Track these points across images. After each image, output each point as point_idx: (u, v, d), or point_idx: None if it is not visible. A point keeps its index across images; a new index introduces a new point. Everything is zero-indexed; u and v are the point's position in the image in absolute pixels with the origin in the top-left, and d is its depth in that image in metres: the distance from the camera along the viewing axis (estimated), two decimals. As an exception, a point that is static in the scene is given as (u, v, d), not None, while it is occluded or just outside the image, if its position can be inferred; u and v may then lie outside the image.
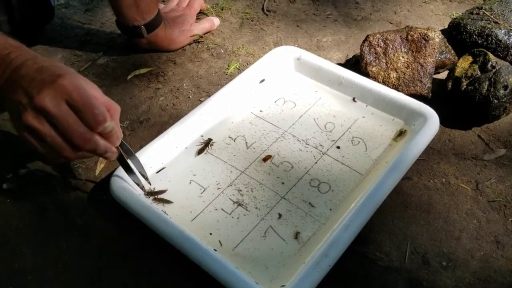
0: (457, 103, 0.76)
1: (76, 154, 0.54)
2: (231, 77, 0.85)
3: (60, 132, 0.51)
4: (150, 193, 0.64)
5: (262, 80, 0.79)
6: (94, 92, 0.54)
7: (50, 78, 0.50)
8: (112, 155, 0.56)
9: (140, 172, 0.63)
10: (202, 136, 0.72)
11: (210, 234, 0.60)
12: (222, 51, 0.93)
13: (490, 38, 0.83)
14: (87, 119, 0.51)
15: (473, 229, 0.63)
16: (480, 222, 0.64)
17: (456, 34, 0.88)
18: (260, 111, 0.77)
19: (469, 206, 0.65)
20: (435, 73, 0.82)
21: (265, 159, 0.69)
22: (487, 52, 0.76)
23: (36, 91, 0.50)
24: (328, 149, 0.70)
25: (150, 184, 0.64)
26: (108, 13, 1.03)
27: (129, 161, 0.62)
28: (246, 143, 0.72)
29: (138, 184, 0.63)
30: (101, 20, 1.02)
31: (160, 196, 0.64)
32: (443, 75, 0.83)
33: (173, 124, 0.71)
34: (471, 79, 0.74)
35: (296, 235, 0.60)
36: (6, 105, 0.54)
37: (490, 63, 0.74)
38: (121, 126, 0.76)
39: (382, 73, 0.78)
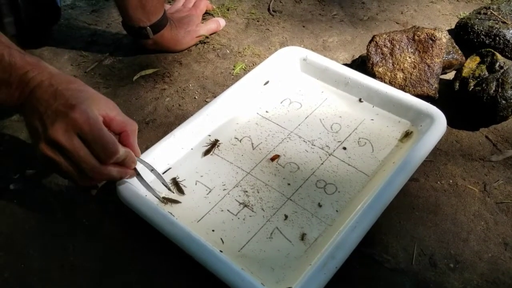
0: (464, 104, 0.76)
1: (91, 183, 0.56)
2: (237, 77, 0.85)
3: (73, 164, 0.52)
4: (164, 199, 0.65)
5: (266, 82, 0.79)
6: (110, 113, 0.54)
7: (63, 109, 0.51)
8: (129, 178, 0.58)
9: (162, 183, 0.64)
10: (209, 135, 0.72)
11: (216, 235, 0.60)
12: (228, 51, 0.93)
13: (498, 38, 0.83)
14: (98, 152, 0.52)
15: (481, 231, 0.62)
16: (488, 224, 0.63)
17: (463, 34, 0.87)
18: (266, 112, 0.77)
19: (477, 208, 0.65)
20: (442, 74, 0.81)
21: (273, 159, 0.69)
22: (495, 52, 0.75)
23: (50, 123, 0.51)
24: (334, 150, 0.70)
25: (174, 193, 0.65)
26: (114, 14, 1.03)
27: (148, 175, 0.62)
28: (252, 144, 0.72)
29: (165, 201, 0.64)
30: (107, 21, 1.02)
31: (169, 196, 0.64)
32: (450, 75, 0.83)
33: (179, 125, 0.71)
34: (478, 79, 0.74)
35: (302, 237, 0.60)
36: (26, 126, 0.55)
37: (498, 63, 0.73)
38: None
39: (389, 74, 0.78)
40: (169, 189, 0.64)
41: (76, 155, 0.51)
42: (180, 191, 0.65)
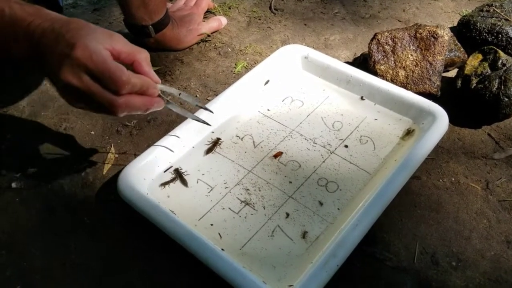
0: (466, 102, 0.75)
1: (119, 115, 0.53)
2: (238, 76, 0.85)
3: (93, 103, 0.52)
4: (163, 184, 0.65)
5: (267, 82, 0.79)
6: (116, 45, 0.52)
7: (66, 50, 0.49)
8: (157, 106, 0.56)
9: (198, 105, 0.62)
10: (213, 132, 0.72)
11: (218, 233, 0.60)
12: (230, 50, 0.92)
13: (500, 35, 0.82)
14: (108, 84, 0.50)
15: (483, 229, 0.62)
16: (490, 222, 0.63)
17: (465, 32, 0.87)
18: (268, 110, 0.77)
19: (479, 206, 0.65)
20: (444, 71, 0.81)
21: (276, 155, 0.69)
22: (498, 49, 0.75)
23: (57, 68, 0.50)
24: (336, 148, 0.70)
25: (213, 113, 0.64)
26: (116, 12, 1.03)
27: (180, 99, 0.61)
28: (254, 142, 0.72)
29: (199, 121, 0.62)
30: (108, 20, 1.02)
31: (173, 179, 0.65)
32: (452, 73, 0.82)
33: (180, 123, 0.71)
34: (481, 77, 0.73)
35: (304, 235, 0.60)
36: (45, 77, 0.55)
37: (500, 60, 0.73)
38: (127, 125, 0.76)
39: (391, 72, 0.78)
40: (207, 109, 0.63)
41: (89, 92, 0.50)
42: (184, 182, 0.65)
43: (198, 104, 0.61)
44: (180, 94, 0.60)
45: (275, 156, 0.69)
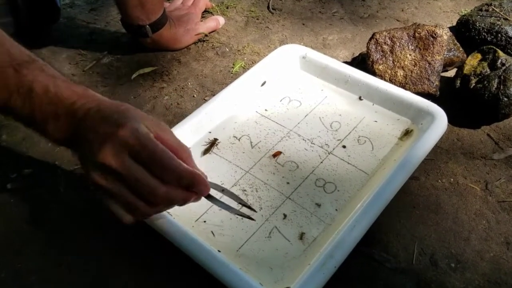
0: (465, 102, 0.75)
1: (152, 211, 0.49)
2: (236, 76, 0.85)
3: (131, 189, 0.46)
4: None
5: (264, 83, 0.78)
6: (162, 134, 0.48)
7: (111, 130, 0.46)
8: (196, 200, 0.51)
9: (239, 203, 0.57)
10: (210, 132, 0.71)
11: (214, 234, 0.60)
12: (227, 49, 0.92)
13: (500, 35, 0.82)
14: (156, 172, 0.46)
15: (483, 230, 0.62)
16: (490, 223, 0.62)
17: (464, 31, 0.86)
18: (265, 110, 0.76)
19: (478, 207, 0.64)
20: (443, 71, 0.80)
21: (274, 155, 0.69)
22: (497, 49, 0.75)
23: (98, 147, 0.46)
24: (334, 149, 0.69)
25: (256, 211, 0.59)
26: (113, 12, 1.03)
27: (222, 198, 0.55)
28: (251, 142, 0.71)
29: (244, 216, 0.56)
30: (106, 20, 1.02)
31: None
32: (451, 73, 0.82)
33: (177, 123, 0.70)
34: (480, 76, 0.73)
35: (301, 236, 0.59)
36: (78, 159, 0.50)
37: (499, 60, 0.72)
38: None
39: (389, 71, 0.77)
40: (249, 207, 0.57)
41: (131, 177, 0.45)
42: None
43: (241, 202, 0.57)
44: (223, 190, 0.56)
45: (274, 155, 0.69)
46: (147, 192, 0.46)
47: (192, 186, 0.48)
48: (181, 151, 0.50)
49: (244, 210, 0.57)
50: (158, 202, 0.47)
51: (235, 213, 0.56)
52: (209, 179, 0.64)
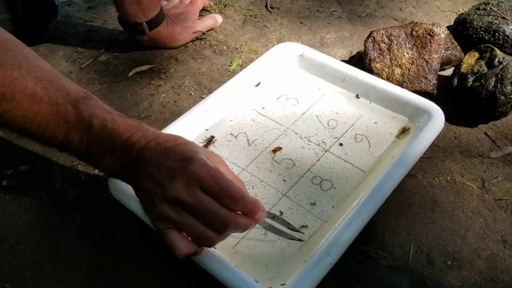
0: (463, 100, 0.75)
1: (219, 238, 0.50)
2: (233, 74, 0.84)
3: (200, 220, 0.48)
4: None
5: (258, 84, 0.78)
6: (222, 168, 0.51)
7: (180, 164, 0.47)
8: (254, 227, 0.53)
9: (288, 227, 0.59)
10: (207, 130, 0.71)
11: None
12: (225, 48, 0.92)
13: (497, 33, 0.82)
14: (225, 202, 0.48)
15: (479, 228, 0.62)
16: (487, 221, 0.62)
17: (462, 30, 0.86)
18: (262, 108, 0.76)
19: (475, 205, 0.64)
20: (440, 70, 0.80)
21: (274, 150, 0.69)
22: (494, 47, 0.74)
23: (168, 181, 0.47)
24: (330, 146, 0.69)
25: (304, 234, 0.59)
26: (111, 10, 1.03)
27: (274, 224, 0.58)
28: (248, 140, 0.71)
29: (294, 239, 0.58)
30: (103, 18, 1.02)
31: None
32: (448, 71, 0.82)
33: (174, 121, 0.70)
34: (477, 75, 0.73)
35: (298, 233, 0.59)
36: (136, 192, 0.52)
37: (497, 58, 0.72)
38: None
39: (386, 70, 0.77)
40: (297, 230, 0.59)
41: (203, 209, 0.47)
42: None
43: (290, 227, 0.59)
44: (273, 217, 0.59)
45: (274, 151, 0.69)
46: (218, 221, 0.48)
47: (254, 213, 0.50)
48: (239, 182, 0.53)
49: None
50: (229, 229, 0.49)
51: (286, 237, 0.58)
52: None
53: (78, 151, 0.51)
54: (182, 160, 0.48)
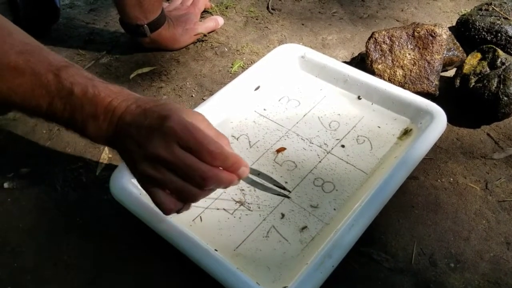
0: (465, 101, 0.74)
1: (201, 194, 0.51)
2: (234, 75, 0.84)
3: (181, 176, 0.49)
4: None
5: (257, 87, 0.77)
6: (201, 125, 0.51)
7: (157, 122, 0.48)
8: (237, 183, 0.53)
9: (274, 184, 0.60)
10: None
11: (211, 234, 0.59)
12: (226, 49, 0.92)
13: (499, 34, 0.81)
14: (205, 156, 0.48)
15: (482, 230, 0.61)
16: (490, 223, 0.62)
17: (464, 31, 0.86)
18: (264, 109, 0.76)
19: (478, 206, 0.64)
20: (442, 71, 0.80)
21: (278, 151, 0.69)
22: (497, 48, 0.74)
23: (147, 140, 0.48)
24: (332, 148, 0.69)
25: (290, 192, 0.62)
26: (112, 12, 1.03)
27: (258, 180, 0.59)
28: (249, 142, 0.71)
29: (280, 194, 0.61)
30: (105, 20, 1.02)
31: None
32: (451, 72, 0.82)
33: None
34: (480, 76, 0.73)
35: (300, 235, 0.59)
36: (121, 156, 0.53)
37: (499, 59, 0.72)
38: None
39: (388, 71, 0.77)
40: (284, 188, 0.61)
41: (182, 165, 0.48)
42: None
43: (276, 184, 0.60)
44: (259, 174, 0.59)
45: (278, 151, 0.68)
46: (199, 176, 0.48)
47: (235, 168, 0.50)
48: (222, 138, 0.52)
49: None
50: (209, 184, 0.49)
51: (272, 192, 0.60)
52: None
53: (62, 119, 0.52)
54: (159, 118, 0.48)
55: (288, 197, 0.61)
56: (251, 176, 0.58)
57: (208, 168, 0.49)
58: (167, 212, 0.51)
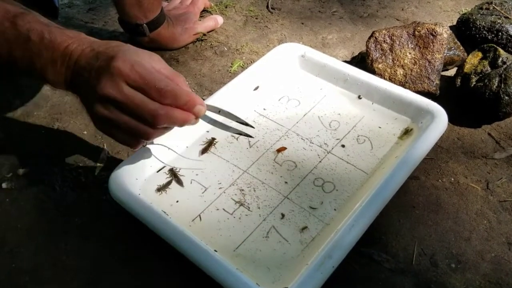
0: (466, 100, 0.74)
1: (155, 132, 0.52)
2: (234, 75, 0.84)
3: (132, 116, 0.50)
4: (159, 189, 0.63)
5: (257, 88, 0.77)
6: (156, 65, 0.51)
7: (105, 63, 0.49)
8: (194, 122, 0.53)
9: (238, 121, 0.60)
10: (208, 131, 0.71)
11: (211, 234, 0.59)
12: (226, 49, 0.91)
13: (500, 33, 0.81)
14: (153, 94, 0.49)
15: (484, 230, 0.61)
16: (491, 223, 0.61)
17: (465, 30, 0.86)
18: (264, 109, 0.75)
19: (479, 206, 0.63)
20: (443, 70, 0.80)
21: (279, 150, 0.68)
22: (497, 47, 0.74)
23: (97, 81, 0.49)
24: (332, 148, 0.69)
25: (254, 128, 0.62)
26: (111, 12, 1.02)
27: (218, 118, 0.58)
28: (249, 142, 0.70)
29: (242, 134, 0.61)
30: (104, 19, 1.01)
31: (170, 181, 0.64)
32: (451, 72, 0.81)
33: (174, 122, 0.70)
34: (480, 75, 0.72)
35: (300, 235, 0.58)
36: (80, 100, 0.54)
37: (500, 58, 0.72)
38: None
39: (389, 70, 0.77)
40: (247, 124, 0.60)
41: (131, 104, 0.49)
42: (179, 182, 0.64)
43: (238, 120, 0.59)
44: (219, 111, 0.59)
45: (279, 151, 0.68)
46: (149, 114, 0.49)
47: (189, 106, 0.51)
48: (175, 76, 0.52)
49: (243, 128, 0.61)
50: (160, 123, 0.50)
51: (234, 132, 0.59)
52: (205, 178, 0.64)
53: (23, 67, 0.53)
54: (107, 59, 0.49)
55: (252, 137, 0.61)
56: (209, 115, 0.57)
57: (157, 106, 0.49)
58: (134, 147, 0.54)
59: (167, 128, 0.53)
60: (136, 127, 0.50)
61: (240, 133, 0.60)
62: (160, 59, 0.53)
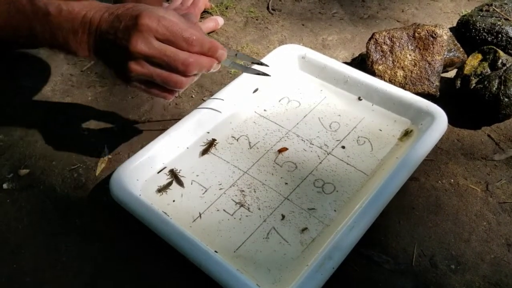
0: (466, 102, 0.74)
1: (187, 80, 0.54)
2: (234, 76, 0.84)
3: (164, 67, 0.52)
4: (160, 190, 0.64)
5: (256, 90, 0.77)
6: (174, 18, 0.54)
7: (131, 22, 0.51)
8: (217, 67, 0.57)
9: (254, 62, 0.66)
10: (208, 132, 0.71)
11: (211, 235, 0.59)
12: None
13: (500, 35, 0.81)
14: (181, 45, 0.52)
15: (483, 231, 0.61)
16: (490, 224, 0.62)
17: (465, 32, 0.86)
18: (264, 110, 0.76)
19: (479, 208, 0.63)
20: (443, 72, 0.80)
21: (280, 151, 0.69)
22: (497, 49, 0.74)
23: (126, 41, 0.50)
24: (333, 149, 0.69)
25: (268, 66, 0.67)
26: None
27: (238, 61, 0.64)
28: (250, 143, 0.71)
29: (260, 73, 0.65)
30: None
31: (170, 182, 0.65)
32: (451, 73, 0.81)
33: (175, 123, 0.70)
34: (480, 77, 0.72)
35: (300, 236, 0.58)
36: (107, 66, 0.55)
37: (500, 60, 0.72)
38: (121, 125, 0.75)
39: (389, 72, 0.77)
40: (262, 63, 0.66)
41: (164, 56, 0.51)
42: (180, 183, 0.64)
43: (254, 61, 0.66)
44: (236, 54, 0.63)
45: (280, 151, 0.68)
46: (181, 64, 0.52)
47: (213, 52, 0.55)
48: (195, 27, 0.55)
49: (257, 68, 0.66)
50: (192, 70, 0.53)
51: (252, 72, 0.65)
52: (205, 178, 0.65)
53: (45, 41, 0.55)
54: (132, 18, 0.51)
55: (269, 75, 0.65)
56: (229, 59, 0.61)
57: (187, 55, 0.52)
58: (168, 98, 0.57)
59: (196, 75, 0.56)
60: (169, 77, 0.53)
61: (258, 73, 0.65)
62: (175, 13, 0.55)
